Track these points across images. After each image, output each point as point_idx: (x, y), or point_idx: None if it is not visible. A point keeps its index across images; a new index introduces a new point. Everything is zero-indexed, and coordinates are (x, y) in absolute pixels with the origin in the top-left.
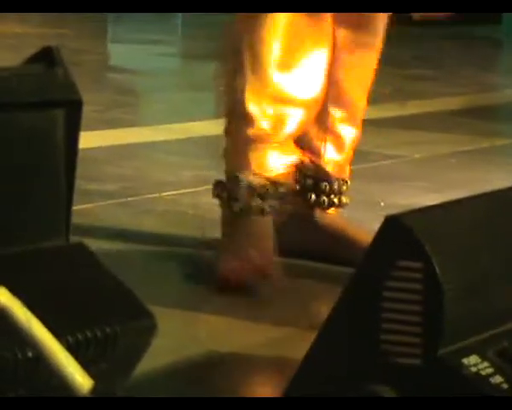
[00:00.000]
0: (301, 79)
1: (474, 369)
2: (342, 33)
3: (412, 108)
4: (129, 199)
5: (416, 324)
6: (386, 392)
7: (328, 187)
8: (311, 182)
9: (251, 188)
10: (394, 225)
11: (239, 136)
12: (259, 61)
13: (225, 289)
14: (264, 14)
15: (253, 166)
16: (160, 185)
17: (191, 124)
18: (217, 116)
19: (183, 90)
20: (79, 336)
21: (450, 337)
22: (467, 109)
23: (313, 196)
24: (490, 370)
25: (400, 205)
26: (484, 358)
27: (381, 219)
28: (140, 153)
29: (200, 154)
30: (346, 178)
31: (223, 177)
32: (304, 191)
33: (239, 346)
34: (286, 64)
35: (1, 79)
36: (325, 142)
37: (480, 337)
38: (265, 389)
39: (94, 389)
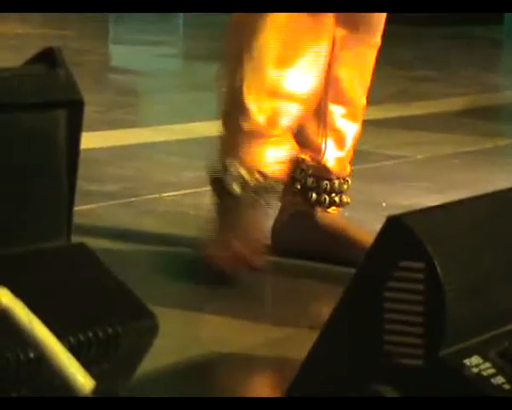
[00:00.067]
0: (299, 75)
1: (475, 370)
2: (342, 32)
3: (415, 108)
4: (130, 200)
5: (417, 324)
6: (389, 392)
7: (329, 186)
8: (311, 180)
9: (243, 180)
10: (396, 226)
11: (235, 128)
12: (258, 56)
13: (212, 279)
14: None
15: (247, 159)
16: (161, 186)
17: (192, 124)
18: (218, 117)
19: (185, 90)
20: (81, 337)
21: (451, 338)
22: (470, 110)
23: (314, 195)
24: (491, 370)
25: (402, 205)
26: (485, 358)
27: (383, 220)
28: (141, 153)
29: (202, 154)
30: (347, 177)
31: None
32: (304, 190)
33: (239, 346)
34: (284, 60)
35: (2, 79)
36: (325, 138)
37: (481, 338)
38: (265, 389)
39: (96, 390)
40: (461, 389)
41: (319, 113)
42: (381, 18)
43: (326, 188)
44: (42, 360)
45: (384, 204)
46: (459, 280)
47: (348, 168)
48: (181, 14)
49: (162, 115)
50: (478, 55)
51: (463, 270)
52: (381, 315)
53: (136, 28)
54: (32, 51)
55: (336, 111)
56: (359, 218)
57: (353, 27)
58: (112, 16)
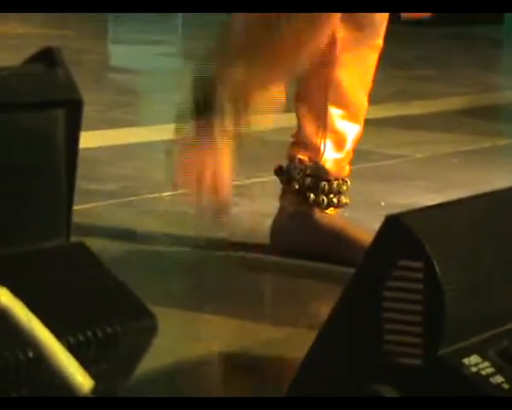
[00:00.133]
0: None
1: (474, 369)
2: (342, 33)
3: (415, 108)
4: (129, 199)
5: (416, 324)
6: (388, 392)
7: (327, 187)
8: (310, 181)
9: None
10: (395, 225)
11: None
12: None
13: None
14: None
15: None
16: (160, 185)
17: None
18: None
19: (184, 90)
20: (80, 337)
21: (450, 337)
22: (469, 109)
23: (312, 196)
24: (490, 370)
25: (401, 205)
26: (484, 358)
27: (382, 219)
28: (140, 153)
29: None
30: (346, 178)
31: None
32: (303, 190)
33: (239, 346)
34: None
35: (1, 78)
36: (325, 139)
37: (480, 337)
38: (265, 389)
39: (95, 390)
40: (460, 389)
41: (319, 114)
42: (383, 20)
43: (324, 189)
44: (41, 359)
45: (382, 203)
46: (458, 279)
47: (347, 169)
48: (179, 15)
49: (162, 115)
50: (478, 55)
51: (462, 269)
52: (380, 315)
53: (135, 28)
54: (32, 51)
55: (336, 113)
56: (358, 217)
57: (355, 29)
58: (110, 16)
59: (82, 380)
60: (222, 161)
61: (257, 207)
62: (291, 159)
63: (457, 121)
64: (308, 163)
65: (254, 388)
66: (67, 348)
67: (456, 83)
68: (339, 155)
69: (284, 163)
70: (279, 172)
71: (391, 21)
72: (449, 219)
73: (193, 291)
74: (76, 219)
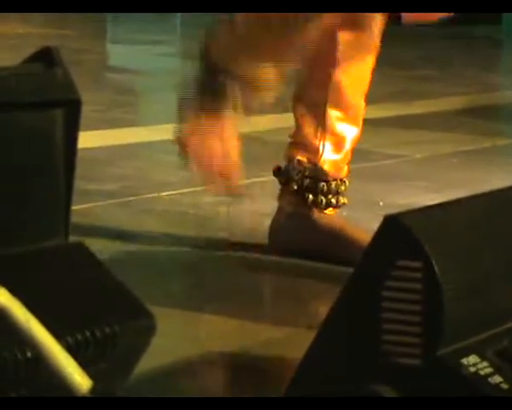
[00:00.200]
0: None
1: (473, 369)
2: (343, 35)
3: (415, 107)
4: (129, 199)
5: (415, 324)
6: (387, 392)
7: (325, 187)
8: (308, 182)
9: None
10: (393, 225)
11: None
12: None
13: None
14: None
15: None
16: (159, 185)
17: None
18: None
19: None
20: (79, 337)
21: (449, 337)
22: (469, 109)
23: (311, 196)
24: (489, 370)
25: (400, 204)
26: (483, 358)
27: (381, 219)
28: (140, 153)
29: None
30: (344, 178)
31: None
32: (301, 191)
33: (239, 346)
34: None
35: (0, 78)
36: (323, 141)
37: (479, 337)
38: (265, 389)
39: (93, 389)
40: (458, 389)
41: (318, 115)
42: (381, 21)
43: (323, 189)
44: (39, 359)
45: (381, 203)
46: (457, 279)
47: (345, 170)
48: (178, 15)
49: (161, 114)
50: (478, 55)
51: (461, 269)
52: (379, 314)
53: (134, 28)
54: (31, 51)
55: (336, 115)
56: (357, 217)
57: (351, 30)
58: (109, 16)
59: (80, 380)
60: (228, 143)
61: (257, 207)
62: (289, 160)
63: (457, 121)
64: (307, 164)
65: (254, 388)
66: (66, 348)
67: (456, 83)
68: (337, 157)
69: (283, 164)
70: (278, 172)
71: (392, 22)
72: (448, 219)
73: (193, 291)
74: (75, 219)
